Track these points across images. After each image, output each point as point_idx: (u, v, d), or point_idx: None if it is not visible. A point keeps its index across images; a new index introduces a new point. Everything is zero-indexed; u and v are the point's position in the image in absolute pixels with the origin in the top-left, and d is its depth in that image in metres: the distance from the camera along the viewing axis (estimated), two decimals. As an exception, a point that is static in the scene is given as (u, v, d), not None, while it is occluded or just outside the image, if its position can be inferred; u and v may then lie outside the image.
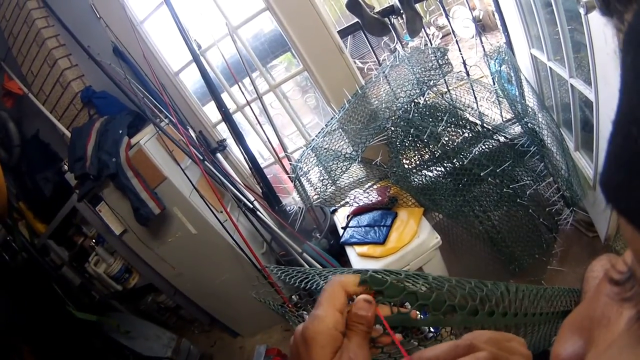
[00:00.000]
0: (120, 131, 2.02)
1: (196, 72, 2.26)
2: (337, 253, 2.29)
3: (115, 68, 2.19)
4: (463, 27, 2.71)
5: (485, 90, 2.05)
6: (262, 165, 2.55)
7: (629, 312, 0.22)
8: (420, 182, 1.85)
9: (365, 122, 1.82)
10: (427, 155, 1.89)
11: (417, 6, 2.09)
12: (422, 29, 2.20)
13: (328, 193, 1.81)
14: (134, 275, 2.59)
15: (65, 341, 2.19)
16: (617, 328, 0.23)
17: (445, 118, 1.69)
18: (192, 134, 2.36)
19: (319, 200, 1.81)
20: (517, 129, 1.91)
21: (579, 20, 1.28)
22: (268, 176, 2.57)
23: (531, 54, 1.94)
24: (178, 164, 2.08)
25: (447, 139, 1.74)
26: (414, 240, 1.73)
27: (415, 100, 1.75)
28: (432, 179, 1.82)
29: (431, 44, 2.54)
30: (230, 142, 2.61)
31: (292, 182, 1.90)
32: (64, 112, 2.39)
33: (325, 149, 1.75)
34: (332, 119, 1.93)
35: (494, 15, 3.40)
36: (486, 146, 1.75)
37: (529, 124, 1.73)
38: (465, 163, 1.63)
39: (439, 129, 1.66)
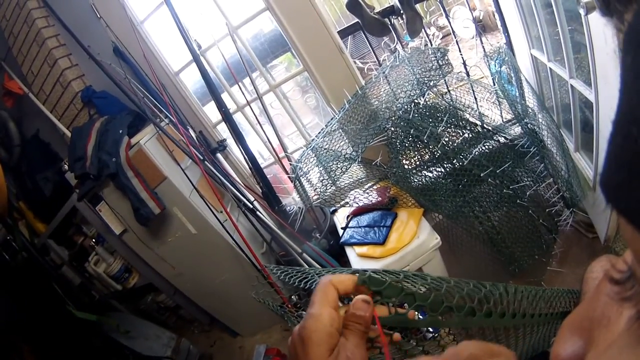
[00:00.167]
0: (121, 131, 2.02)
1: (196, 72, 2.26)
2: (336, 253, 2.29)
3: (115, 68, 2.19)
4: (463, 27, 2.72)
5: (486, 90, 2.05)
6: (262, 166, 2.55)
7: (629, 312, 0.22)
8: (420, 182, 1.85)
9: (365, 123, 1.82)
10: (427, 156, 1.89)
11: (418, 6, 2.09)
12: (422, 30, 2.19)
13: (328, 193, 1.81)
14: (133, 275, 2.59)
15: (65, 340, 2.18)
16: (617, 328, 0.23)
17: (445, 118, 1.69)
18: (192, 134, 2.36)
19: (318, 201, 1.81)
20: (517, 130, 1.90)
21: (579, 21, 1.28)
22: (268, 176, 2.56)
23: (531, 54, 1.94)
24: (178, 164, 2.08)
25: (447, 139, 1.73)
26: (414, 240, 1.73)
27: (415, 100, 1.75)
28: (432, 180, 1.82)
29: (431, 45, 2.54)
30: (230, 142, 2.61)
31: (292, 182, 1.90)
32: (64, 111, 2.39)
33: (325, 149, 1.75)
34: (332, 119, 1.93)
35: (494, 15, 3.40)
36: (486, 147, 1.74)
37: (529, 125, 1.73)
38: (465, 164, 1.63)
39: (439, 130, 1.66)
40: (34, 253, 2.49)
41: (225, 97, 2.42)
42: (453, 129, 1.79)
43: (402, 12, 2.06)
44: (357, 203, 2.06)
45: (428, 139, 1.67)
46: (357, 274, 0.43)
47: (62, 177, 2.27)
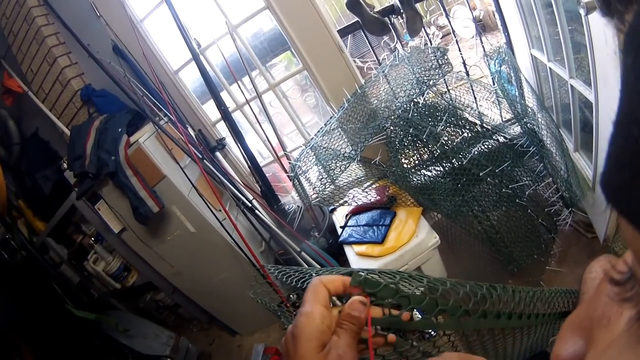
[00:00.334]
0: (120, 129, 2.01)
1: (196, 71, 2.25)
2: (335, 252, 2.29)
3: (114, 66, 2.19)
4: (463, 27, 2.71)
5: (485, 90, 2.05)
6: (261, 164, 2.55)
7: (629, 312, 0.22)
8: (419, 181, 1.85)
9: (365, 122, 1.82)
10: (426, 155, 1.89)
11: (417, 6, 2.09)
12: (422, 29, 2.19)
13: (327, 192, 1.81)
14: (132, 274, 2.59)
15: (64, 339, 2.19)
16: (617, 328, 0.23)
17: (444, 118, 1.69)
18: (192, 133, 2.36)
19: (317, 199, 1.81)
20: (516, 129, 1.91)
21: (579, 21, 1.28)
22: (267, 175, 2.57)
23: (531, 54, 1.94)
24: (177, 163, 2.08)
25: (446, 138, 1.74)
26: (413, 239, 1.74)
27: (415, 99, 1.75)
28: (431, 179, 1.82)
29: (431, 44, 2.54)
30: (230, 141, 2.61)
31: (291, 181, 1.90)
32: (63, 110, 2.38)
33: (324, 148, 1.75)
34: (331, 118, 1.93)
35: (494, 15, 3.40)
36: (485, 146, 1.74)
37: (528, 124, 1.73)
38: (464, 163, 1.63)
39: (438, 129, 1.66)
40: (33, 252, 2.49)
41: (224, 95, 2.42)
42: (452, 128, 1.79)
43: (402, 11, 2.06)
44: (356, 202, 2.06)
45: (427, 138, 1.67)
46: (352, 275, 0.43)
47: (61, 176, 2.27)
